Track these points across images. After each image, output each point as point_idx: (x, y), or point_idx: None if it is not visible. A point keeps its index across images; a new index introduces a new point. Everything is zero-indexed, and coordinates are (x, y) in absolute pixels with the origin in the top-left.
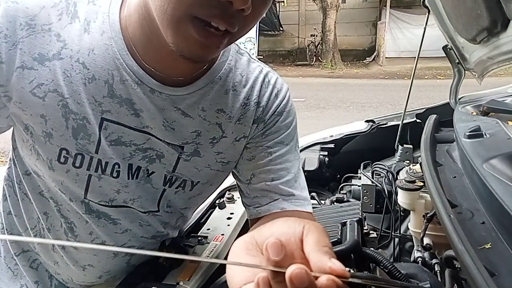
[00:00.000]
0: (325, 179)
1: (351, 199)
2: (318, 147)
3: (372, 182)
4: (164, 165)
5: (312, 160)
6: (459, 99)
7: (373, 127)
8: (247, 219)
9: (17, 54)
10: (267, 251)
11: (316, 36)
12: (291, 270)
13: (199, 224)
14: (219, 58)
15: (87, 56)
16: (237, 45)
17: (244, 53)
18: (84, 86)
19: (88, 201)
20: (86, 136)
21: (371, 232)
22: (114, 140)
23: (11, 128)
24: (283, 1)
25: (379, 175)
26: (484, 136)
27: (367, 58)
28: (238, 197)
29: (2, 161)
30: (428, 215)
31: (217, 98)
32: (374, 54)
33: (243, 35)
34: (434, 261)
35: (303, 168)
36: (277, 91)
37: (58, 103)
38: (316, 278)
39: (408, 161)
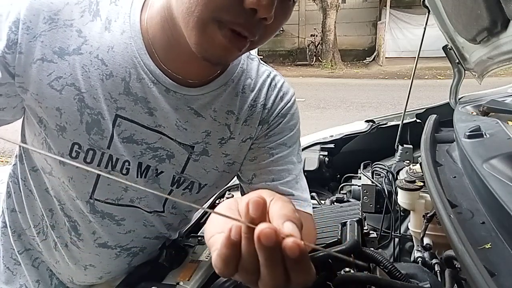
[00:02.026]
0: (325, 179)
1: (351, 199)
2: (318, 147)
3: (372, 182)
4: (173, 165)
5: (312, 160)
6: (459, 99)
7: (373, 127)
8: None
9: (38, 46)
10: (247, 206)
11: (316, 36)
12: (261, 227)
13: (199, 224)
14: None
15: (106, 53)
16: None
17: (255, 58)
18: (101, 82)
19: (93, 201)
20: (99, 131)
21: (371, 232)
22: (126, 137)
23: (13, 128)
24: None
25: (379, 175)
26: (484, 136)
27: (367, 58)
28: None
29: (2, 161)
30: (428, 215)
31: (228, 100)
32: (374, 54)
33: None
34: (434, 261)
35: (303, 168)
36: (282, 94)
37: (75, 97)
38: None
39: (408, 161)
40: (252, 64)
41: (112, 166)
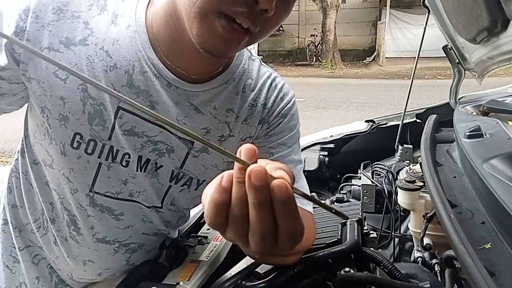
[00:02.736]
0: (325, 179)
1: (351, 199)
2: (318, 147)
3: (372, 182)
4: (172, 160)
5: (312, 160)
6: (459, 99)
7: (373, 127)
8: None
9: (45, 35)
10: (239, 153)
11: (316, 36)
12: (252, 166)
13: (199, 224)
14: (233, 61)
15: (112, 45)
16: (249, 51)
17: (256, 59)
18: (105, 73)
19: (93, 194)
20: (101, 122)
21: (371, 232)
22: (127, 130)
23: (13, 128)
24: None
25: (379, 175)
26: (484, 136)
27: (367, 58)
28: None
29: (2, 161)
30: (428, 215)
31: (228, 98)
32: (374, 54)
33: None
34: (434, 261)
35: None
36: (283, 94)
37: (78, 86)
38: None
39: (408, 161)
40: (253, 65)
41: (113, 158)
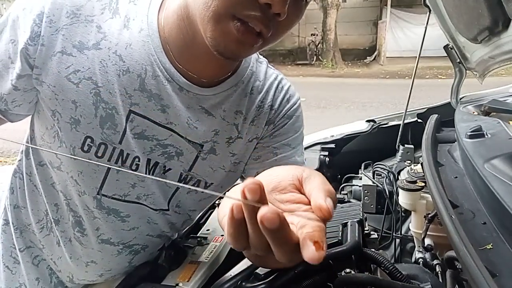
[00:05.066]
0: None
1: (352, 200)
2: (318, 147)
3: (373, 182)
4: (181, 163)
5: (312, 160)
6: (460, 98)
7: (374, 127)
8: None
9: (59, 40)
10: (244, 194)
11: (317, 35)
12: (264, 212)
13: (198, 224)
14: (242, 64)
15: (124, 49)
16: (256, 54)
17: (263, 61)
18: (117, 77)
19: (101, 197)
20: (112, 126)
21: (372, 233)
22: (138, 133)
23: (12, 128)
24: None
25: (380, 175)
26: (486, 136)
27: (368, 57)
28: None
29: (1, 161)
30: (429, 215)
31: (237, 101)
32: (375, 53)
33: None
34: (435, 262)
35: None
36: (289, 96)
37: (91, 90)
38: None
39: (409, 161)
40: (261, 67)
41: (122, 162)
